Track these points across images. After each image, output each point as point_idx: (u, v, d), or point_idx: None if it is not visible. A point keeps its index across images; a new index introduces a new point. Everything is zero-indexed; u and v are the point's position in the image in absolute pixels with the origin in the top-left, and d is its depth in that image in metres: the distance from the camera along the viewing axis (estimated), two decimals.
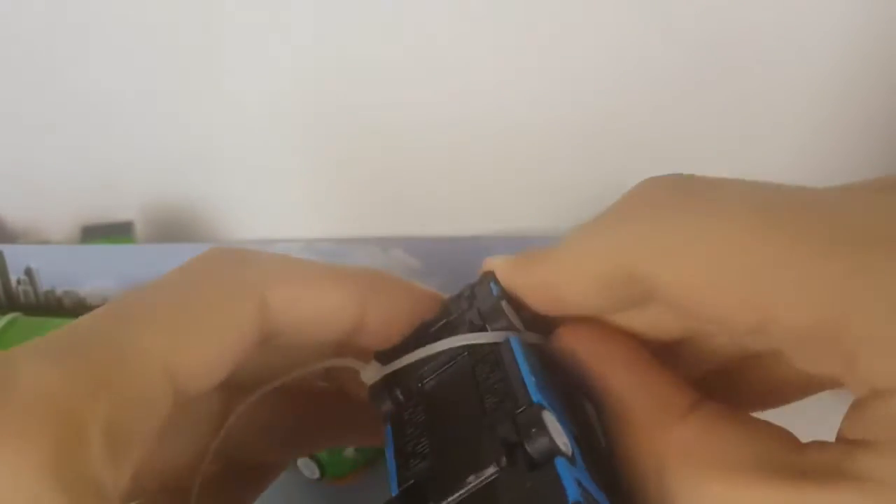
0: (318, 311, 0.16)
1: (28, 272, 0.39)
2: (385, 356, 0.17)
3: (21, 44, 0.44)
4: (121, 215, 0.45)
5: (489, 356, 0.16)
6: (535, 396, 0.14)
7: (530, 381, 0.14)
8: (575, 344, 0.16)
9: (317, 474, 0.33)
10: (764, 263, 0.12)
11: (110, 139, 0.47)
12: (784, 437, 0.13)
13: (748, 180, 0.14)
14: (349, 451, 0.33)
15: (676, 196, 0.14)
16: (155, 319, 0.15)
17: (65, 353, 0.13)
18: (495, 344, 0.16)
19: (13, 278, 0.39)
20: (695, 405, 0.14)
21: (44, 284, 0.39)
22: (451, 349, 0.16)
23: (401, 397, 0.17)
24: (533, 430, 0.13)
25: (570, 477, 0.13)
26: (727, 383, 0.17)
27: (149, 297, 0.15)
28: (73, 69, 0.45)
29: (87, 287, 0.39)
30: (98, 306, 0.15)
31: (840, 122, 0.56)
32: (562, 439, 0.13)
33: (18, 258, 0.39)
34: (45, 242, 0.44)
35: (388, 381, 0.17)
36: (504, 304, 0.16)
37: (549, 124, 0.54)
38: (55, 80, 0.45)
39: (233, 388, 0.17)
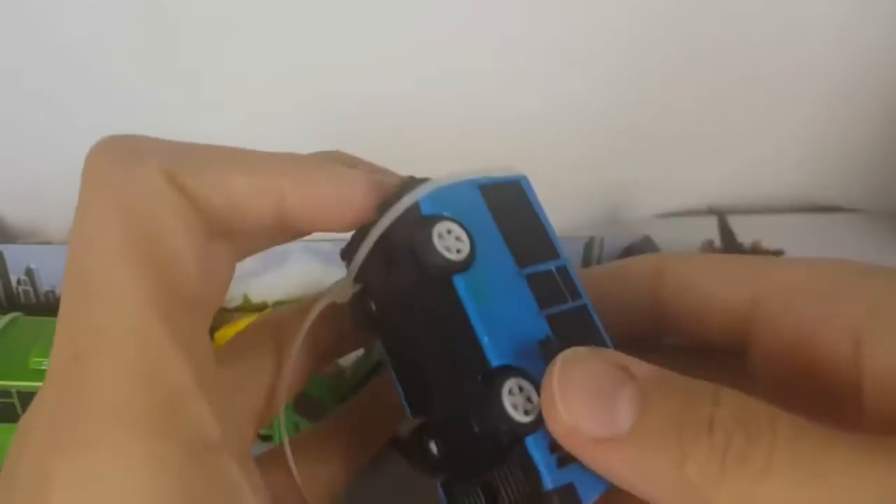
0: (231, 198, 0.16)
1: (28, 272, 0.39)
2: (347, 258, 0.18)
3: (21, 45, 0.44)
4: None
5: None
6: (494, 360, 0.15)
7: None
8: None
9: None
10: None
11: None
12: None
13: None
14: None
15: None
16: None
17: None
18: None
19: (13, 278, 0.39)
20: None
21: (44, 285, 0.39)
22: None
23: (374, 308, 0.17)
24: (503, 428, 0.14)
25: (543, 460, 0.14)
26: None
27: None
28: (73, 69, 0.45)
29: None
30: None
31: (842, 123, 0.56)
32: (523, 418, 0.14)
33: (18, 258, 0.39)
34: (46, 243, 0.44)
35: (361, 295, 0.17)
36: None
37: (557, 129, 0.54)
38: (55, 81, 0.45)
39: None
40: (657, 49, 0.51)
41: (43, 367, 0.28)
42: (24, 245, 0.42)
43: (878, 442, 0.12)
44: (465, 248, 0.16)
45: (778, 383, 0.17)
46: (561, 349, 0.15)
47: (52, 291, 0.39)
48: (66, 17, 0.43)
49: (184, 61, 0.45)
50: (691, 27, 0.50)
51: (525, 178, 0.18)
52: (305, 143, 0.50)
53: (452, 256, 0.15)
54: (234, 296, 0.38)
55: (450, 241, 0.16)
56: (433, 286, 0.16)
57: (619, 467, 0.14)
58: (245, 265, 0.39)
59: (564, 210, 0.60)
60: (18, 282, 0.39)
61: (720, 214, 0.49)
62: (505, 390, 0.14)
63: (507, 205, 0.17)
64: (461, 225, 0.16)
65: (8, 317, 0.32)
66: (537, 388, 0.15)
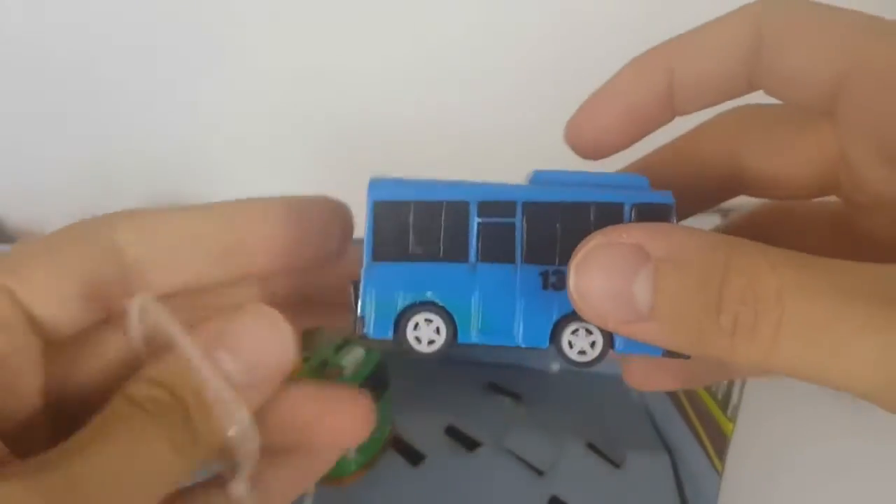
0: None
1: None
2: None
3: (22, 45, 0.44)
4: None
5: None
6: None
7: None
8: None
9: None
10: None
11: (111, 139, 0.48)
12: None
13: None
14: (350, 453, 0.33)
15: None
16: None
17: None
18: None
19: None
20: None
21: None
22: None
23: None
24: None
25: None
26: None
27: None
28: (74, 70, 0.45)
29: None
30: None
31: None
32: None
33: None
34: None
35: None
36: None
37: (556, 129, 0.54)
38: (56, 82, 0.45)
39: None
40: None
41: None
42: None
43: (888, 301, 0.13)
44: (441, 324, 0.17)
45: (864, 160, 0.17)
46: (557, 264, 0.17)
47: None
48: (67, 17, 0.43)
49: (184, 62, 0.46)
50: (690, 27, 0.50)
51: (373, 187, 0.17)
52: (307, 144, 0.49)
53: (443, 341, 0.17)
54: None
55: (428, 333, 0.17)
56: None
57: (653, 340, 0.15)
58: None
59: None
60: None
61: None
62: (569, 352, 0.17)
63: (399, 229, 0.17)
64: (420, 307, 0.17)
65: None
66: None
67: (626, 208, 0.17)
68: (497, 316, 0.17)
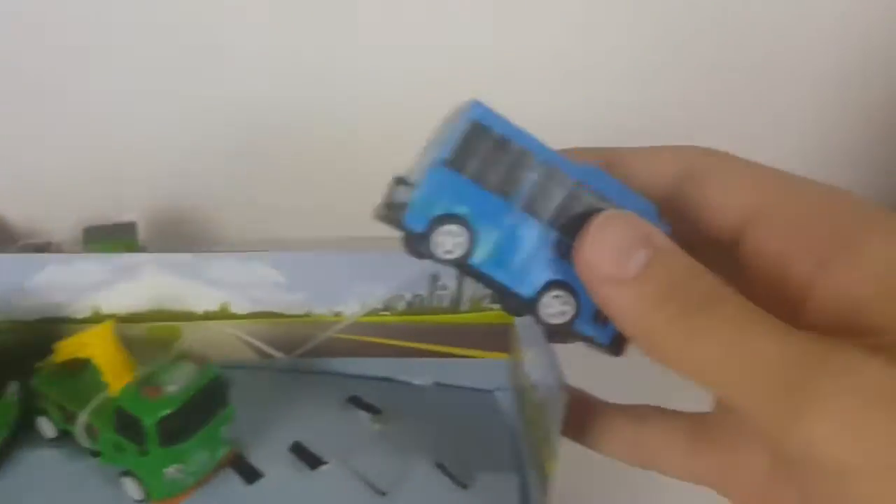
0: None
1: None
2: None
3: (21, 45, 0.44)
4: (124, 216, 0.45)
5: None
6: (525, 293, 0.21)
7: None
8: None
9: (141, 496, 0.32)
10: None
11: (112, 139, 0.48)
12: None
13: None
14: (173, 474, 0.32)
15: None
16: None
17: None
18: None
19: None
20: None
21: None
22: None
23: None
24: None
25: None
26: None
27: None
28: (73, 71, 0.45)
29: None
30: None
31: (843, 123, 0.56)
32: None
33: None
34: (47, 243, 0.44)
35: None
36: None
37: (557, 129, 0.54)
38: (56, 81, 0.45)
39: None
40: (655, 51, 0.50)
41: None
42: None
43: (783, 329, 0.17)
44: (464, 241, 0.19)
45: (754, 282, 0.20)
46: (571, 240, 0.20)
47: None
48: (66, 18, 0.43)
49: (183, 62, 0.45)
50: (690, 28, 0.50)
51: (477, 107, 0.19)
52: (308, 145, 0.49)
53: (456, 255, 0.20)
54: (82, 307, 0.37)
55: (451, 243, 0.19)
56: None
57: (618, 305, 0.18)
58: (94, 275, 0.39)
59: None
60: None
61: None
62: (542, 309, 0.20)
63: (478, 152, 0.19)
64: (457, 219, 0.19)
65: None
66: (567, 287, 0.20)
67: None
68: (508, 255, 0.20)
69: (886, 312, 0.17)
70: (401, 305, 0.39)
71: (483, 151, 0.19)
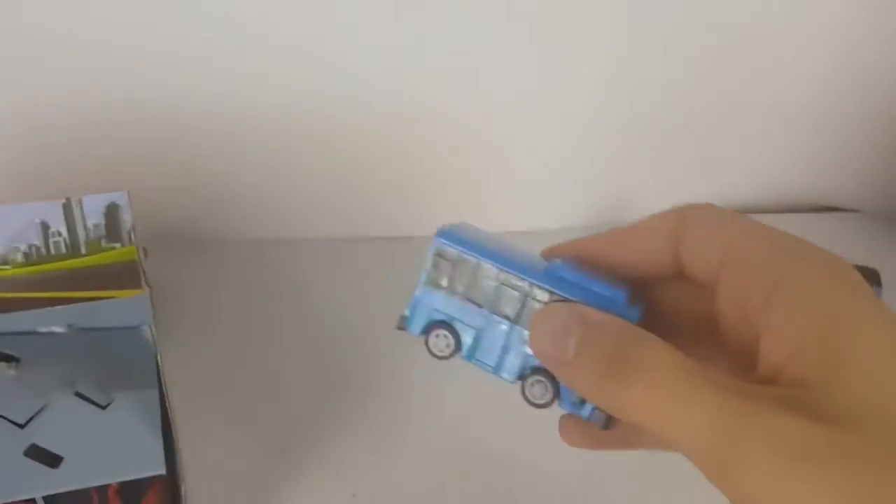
0: None
1: None
2: None
3: (21, 43, 0.44)
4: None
5: None
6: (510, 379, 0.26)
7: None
8: None
9: None
10: None
11: (113, 139, 0.47)
12: None
13: None
14: None
15: None
16: None
17: None
18: None
19: None
20: None
21: None
22: None
23: None
24: None
25: None
26: None
27: None
28: (75, 70, 0.45)
29: None
30: None
31: (842, 124, 0.59)
32: None
33: None
34: None
35: None
36: None
37: (556, 130, 0.55)
38: (57, 81, 0.45)
39: None
40: (657, 53, 0.51)
41: None
42: None
43: (734, 388, 0.19)
44: (452, 342, 0.25)
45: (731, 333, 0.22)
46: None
47: None
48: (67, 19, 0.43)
49: (185, 63, 0.47)
50: (692, 31, 0.51)
51: (438, 237, 0.25)
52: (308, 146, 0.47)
53: (447, 353, 0.26)
54: None
55: (442, 343, 0.25)
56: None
57: (573, 382, 0.21)
58: None
59: (563, 211, 0.61)
60: None
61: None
62: (527, 391, 0.25)
63: (445, 272, 0.25)
64: (443, 324, 0.25)
65: None
66: (546, 372, 0.24)
67: None
68: (488, 350, 0.25)
69: (811, 363, 0.18)
70: (19, 257, 0.40)
71: (448, 270, 0.25)
